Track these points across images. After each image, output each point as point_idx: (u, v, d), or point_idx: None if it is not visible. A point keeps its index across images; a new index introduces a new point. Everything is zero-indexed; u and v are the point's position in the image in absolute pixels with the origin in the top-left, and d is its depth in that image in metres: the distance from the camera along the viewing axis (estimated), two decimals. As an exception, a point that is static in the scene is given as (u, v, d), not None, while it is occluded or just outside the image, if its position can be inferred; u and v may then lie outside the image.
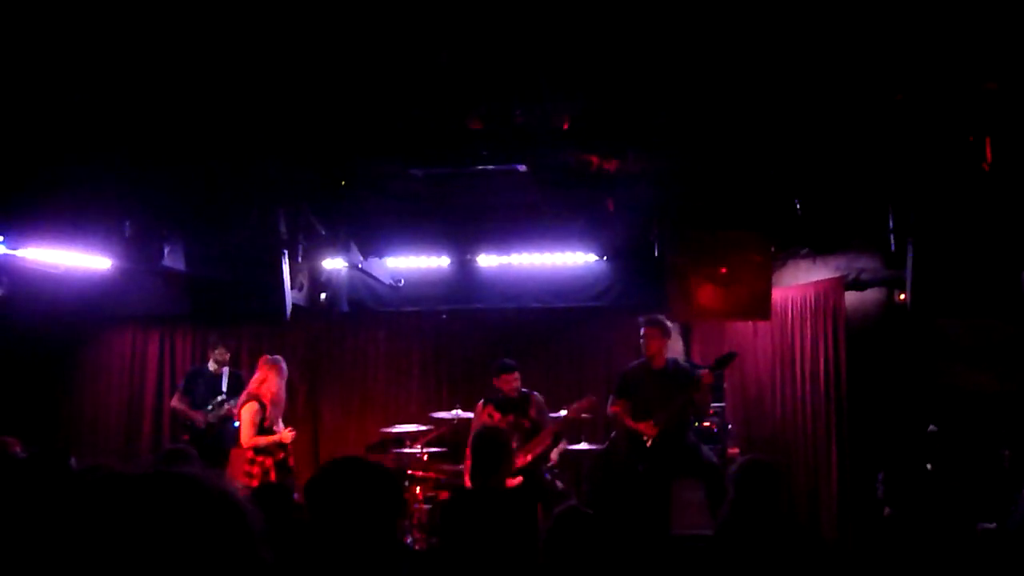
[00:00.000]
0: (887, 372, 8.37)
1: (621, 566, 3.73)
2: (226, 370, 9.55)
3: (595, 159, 6.23)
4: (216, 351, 9.55)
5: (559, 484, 8.32)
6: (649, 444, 7.97)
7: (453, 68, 5.19)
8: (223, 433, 9.35)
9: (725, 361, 8.07)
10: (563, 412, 8.75)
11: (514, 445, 8.21)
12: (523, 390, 8.67)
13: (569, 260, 9.47)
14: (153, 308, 10.24)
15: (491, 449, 5.55)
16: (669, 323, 8.54)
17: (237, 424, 9.47)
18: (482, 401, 8.82)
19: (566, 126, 5.42)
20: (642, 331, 8.20)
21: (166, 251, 7.43)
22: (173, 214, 7.16)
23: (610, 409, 8.38)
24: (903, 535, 4.94)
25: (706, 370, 8.01)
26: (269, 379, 8.54)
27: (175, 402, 9.63)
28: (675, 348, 9.73)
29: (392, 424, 9.98)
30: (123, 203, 7.14)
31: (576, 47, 4.83)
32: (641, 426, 8.03)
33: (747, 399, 9.55)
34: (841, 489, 8.38)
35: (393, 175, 6.86)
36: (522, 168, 5.81)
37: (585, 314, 10.44)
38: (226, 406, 9.30)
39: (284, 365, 8.73)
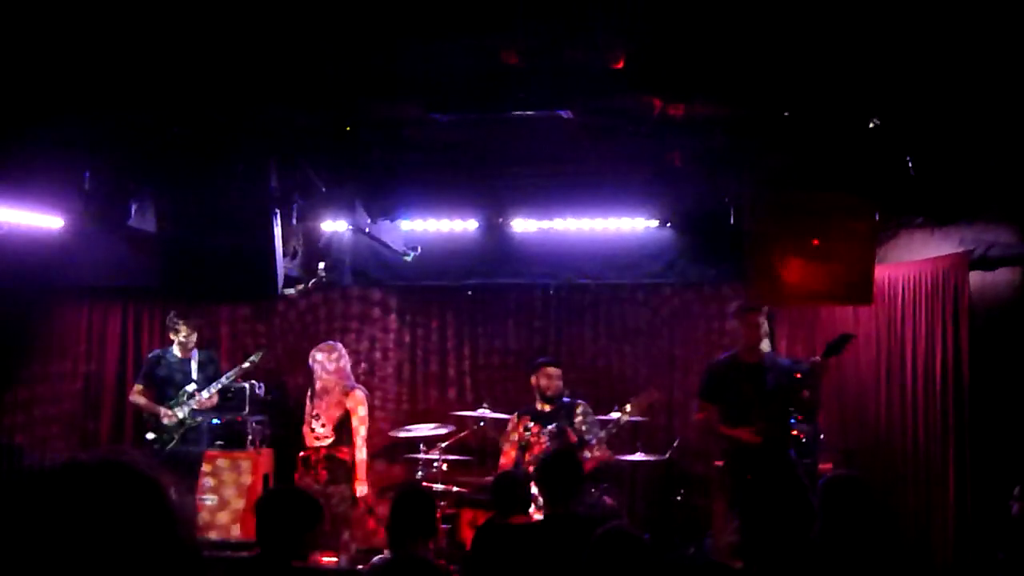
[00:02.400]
0: (1021, 369, 8.46)
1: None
2: (195, 352, 9.67)
3: (658, 102, 6.39)
4: (180, 333, 9.56)
5: (608, 500, 8.54)
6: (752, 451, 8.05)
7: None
8: (197, 433, 9.56)
9: (838, 346, 8.12)
10: (615, 414, 8.94)
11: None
12: (566, 399, 8.89)
13: (625, 226, 9.61)
14: (115, 278, 10.48)
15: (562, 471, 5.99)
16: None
17: (217, 421, 9.79)
18: (516, 413, 9.03)
19: (621, 63, 5.58)
20: (736, 319, 8.33)
21: (133, 209, 7.67)
22: (143, 165, 7.39)
23: (695, 416, 8.49)
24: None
25: (818, 359, 8.08)
26: None
27: (134, 396, 9.73)
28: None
29: (404, 425, 10.24)
30: (82, 150, 7.37)
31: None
32: (739, 432, 8.12)
33: (844, 402, 9.69)
34: (959, 510, 8.52)
35: (410, 121, 7.05)
36: (567, 114, 5.99)
37: (644, 292, 10.61)
38: (198, 398, 9.43)
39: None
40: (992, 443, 8.49)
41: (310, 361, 9.41)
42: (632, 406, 8.74)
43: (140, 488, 1.54)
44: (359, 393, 9.45)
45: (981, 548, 8.31)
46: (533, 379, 8.96)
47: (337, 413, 9.26)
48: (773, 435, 8.01)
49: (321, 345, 9.52)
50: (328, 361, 9.29)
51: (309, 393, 9.49)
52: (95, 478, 1.52)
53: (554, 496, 6.11)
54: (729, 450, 8.26)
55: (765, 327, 9.85)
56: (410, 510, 5.50)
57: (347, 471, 9.24)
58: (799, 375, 8.01)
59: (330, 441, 9.25)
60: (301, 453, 9.40)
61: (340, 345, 9.56)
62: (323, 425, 9.21)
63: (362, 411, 9.36)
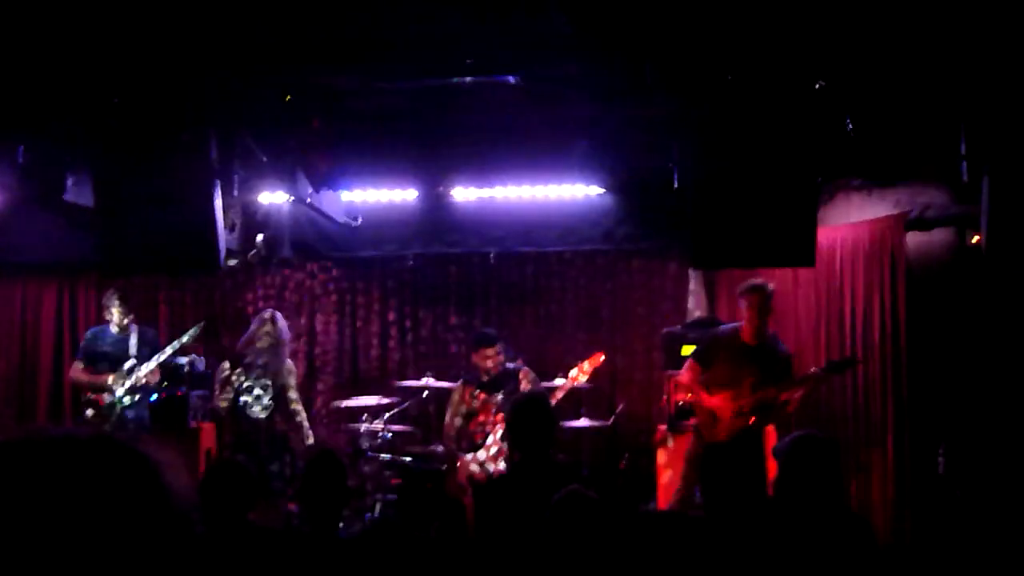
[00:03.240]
0: (956, 329, 8.64)
1: (636, 553, 4.00)
2: (134, 328, 9.61)
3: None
4: (114, 313, 9.53)
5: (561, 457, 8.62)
6: (722, 427, 8.11)
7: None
8: (137, 410, 9.47)
9: (841, 367, 8.25)
10: (560, 380, 8.97)
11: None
12: (509, 365, 8.92)
13: (567, 193, 9.66)
14: (50, 254, 10.37)
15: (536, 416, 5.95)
16: (692, 271, 8.68)
17: (155, 397, 9.68)
18: (461, 382, 9.07)
19: (568, 30, 5.59)
20: (741, 299, 8.33)
21: (69, 183, 7.57)
22: (79, 137, 7.27)
23: (683, 375, 8.52)
24: (969, 520, 5.24)
25: (819, 371, 8.19)
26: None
27: (74, 373, 9.69)
28: (698, 302, 10.00)
29: (347, 396, 10.20)
30: (15, 122, 7.24)
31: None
32: (715, 401, 8.19)
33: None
34: (898, 468, 8.72)
35: (351, 91, 7.01)
36: (513, 79, 5.99)
37: (586, 259, 10.66)
38: (137, 373, 9.36)
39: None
40: (928, 402, 8.67)
41: (256, 330, 9.24)
42: (578, 371, 8.80)
43: (136, 462, 1.54)
44: (290, 362, 9.51)
45: (918, 505, 8.51)
46: (474, 357, 8.97)
47: (280, 383, 9.21)
48: (748, 421, 8.07)
49: (264, 314, 9.38)
50: (275, 330, 9.19)
51: (238, 366, 9.25)
52: (91, 451, 1.52)
53: (526, 442, 6.06)
54: (702, 419, 8.32)
55: (700, 297, 9.94)
56: (323, 473, 5.44)
57: (284, 443, 9.18)
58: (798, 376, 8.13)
59: (269, 413, 9.13)
60: (236, 434, 9.24)
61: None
62: (259, 395, 9.10)
63: (295, 379, 9.47)
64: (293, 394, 9.26)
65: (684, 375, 8.50)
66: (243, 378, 9.15)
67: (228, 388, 9.16)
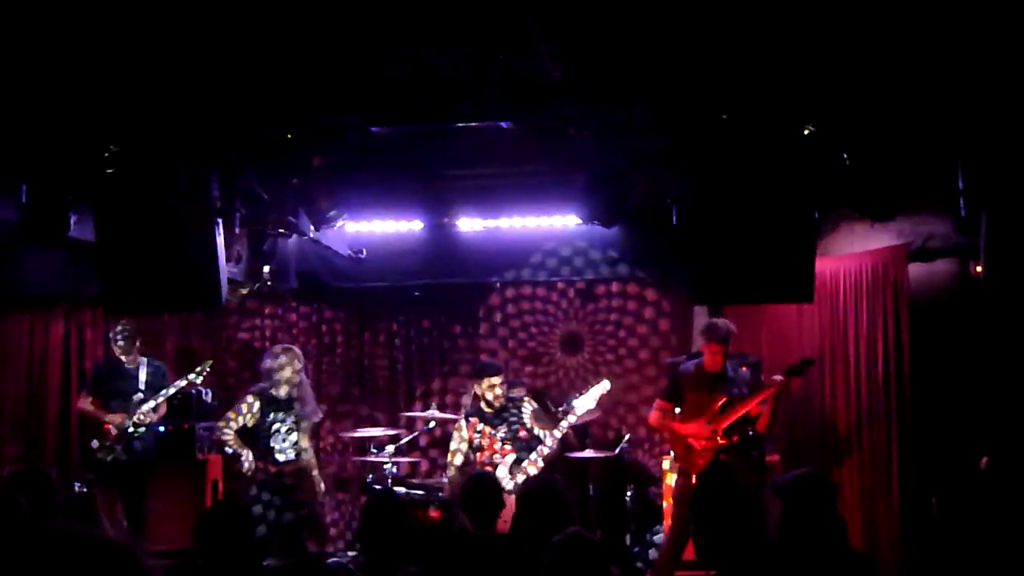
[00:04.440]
0: (959, 360, 8.66)
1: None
2: (143, 360, 9.69)
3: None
4: (121, 347, 9.54)
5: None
6: (698, 455, 8.17)
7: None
8: (144, 441, 9.51)
9: (800, 368, 8.29)
10: (570, 418, 8.95)
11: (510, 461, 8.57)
12: (512, 395, 8.92)
13: (571, 223, 9.71)
14: (57, 287, 10.46)
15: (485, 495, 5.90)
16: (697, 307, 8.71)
17: (163, 429, 9.75)
18: (464, 415, 9.03)
19: (560, 75, 5.67)
20: (702, 346, 8.39)
21: (72, 220, 7.65)
22: (82, 174, 7.36)
23: (653, 414, 8.60)
24: (963, 556, 5.25)
25: (780, 378, 8.22)
26: None
27: (82, 403, 9.74)
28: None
29: (353, 427, 10.26)
30: (19, 160, 7.34)
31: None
32: (690, 427, 8.22)
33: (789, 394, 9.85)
34: (903, 502, 8.72)
35: (351, 126, 7.10)
36: (505, 125, 6.06)
37: (592, 290, 10.73)
38: (145, 407, 9.40)
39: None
40: (932, 430, 8.69)
41: (278, 367, 8.63)
42: (585, 398, 8.76)
43: (118, 557, 1.61)
44: (315, 404, 9.03)
45: (923, 533, 8.52)
46: (476, 387, 8.90)
47: (315, 420, 8.97)
48: (726, 444, 8.13)
49: (286, 348, 8.88)
50: (300, 366, 8.77)
51: (259, 405, 8.64)
52: (77, 546, 1.60)
53: (536, 530, 5.99)
54: (679, 452, 8.37)
55: (699, 316, 9.98)
56: (383, 517, 5.40)
57: (309, 479, 8.87)
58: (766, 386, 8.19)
59: (298, 453, 8.63)
60: (259, 472, 8.51)
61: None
62: (286, 435, 8.61)
63: (317, 418, 9.05)
64: (314, 427, 9.02)
65: (653, 415, 8.57)
66: (268, 417, 8.63)
67: (233, 423, 8.69)
